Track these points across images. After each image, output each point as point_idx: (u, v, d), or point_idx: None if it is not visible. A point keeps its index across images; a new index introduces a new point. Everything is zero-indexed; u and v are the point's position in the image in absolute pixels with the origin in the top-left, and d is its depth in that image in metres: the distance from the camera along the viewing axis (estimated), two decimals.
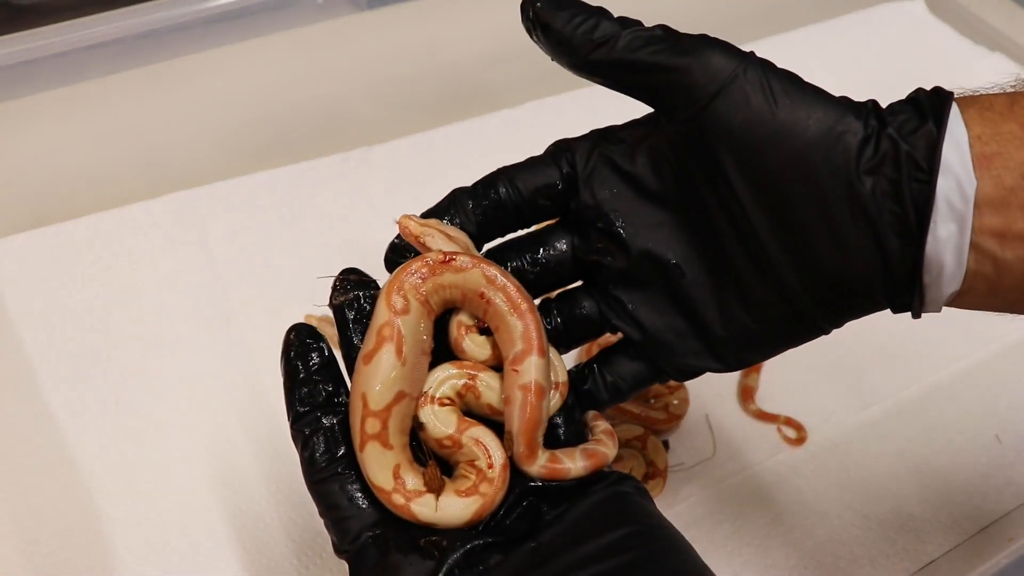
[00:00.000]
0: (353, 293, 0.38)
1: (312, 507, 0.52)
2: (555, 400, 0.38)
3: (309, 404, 0.37)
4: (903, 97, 0.35)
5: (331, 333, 0.61)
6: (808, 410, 0.59)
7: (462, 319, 0.38)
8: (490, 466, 0.36)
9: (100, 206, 0.65)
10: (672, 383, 0.59)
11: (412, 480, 0.35)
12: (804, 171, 0.33)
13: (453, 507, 0.35)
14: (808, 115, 0.33)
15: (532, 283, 0.40)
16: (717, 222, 0.36)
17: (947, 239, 0.32)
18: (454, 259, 0.36)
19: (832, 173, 0.33)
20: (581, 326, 0.40)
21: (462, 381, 0.37)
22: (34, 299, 0.60)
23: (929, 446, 0.58)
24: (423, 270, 0.36)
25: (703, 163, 0.36)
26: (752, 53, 0.36)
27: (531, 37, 0.37)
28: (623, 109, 0.74)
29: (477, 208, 0.39)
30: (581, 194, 0.39)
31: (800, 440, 0.58)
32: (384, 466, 0.35)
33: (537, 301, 0.38)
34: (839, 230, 0.34)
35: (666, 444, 0.57)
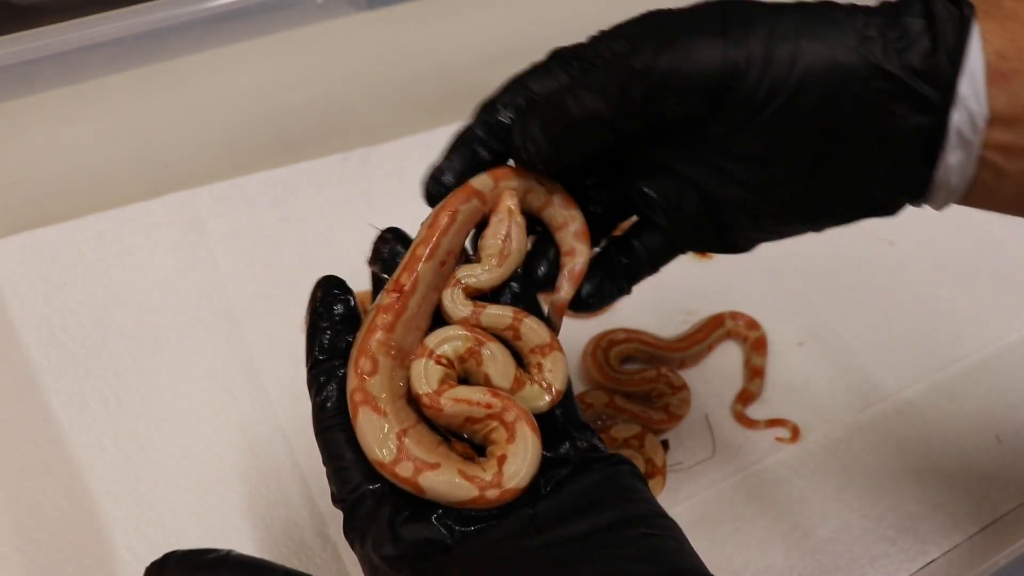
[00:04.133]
0: (388, 249, 0.39)
1: (313, 508, 0.52)
2: (545, 402, 0.37)
3: (328, 352, 0.37)
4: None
5: None
6: (808, 410, 0.59)
7: (458, 303, 0.38)
8: (489, 405, 0.35)
9: (100, 206, 0.65)
10: (675, 383, 0.59)
11: (485, 471, 0.34)
12: (826, 109, 0.34)
13: (522, 454, 0.34)
14: (818, 54, 0.33)
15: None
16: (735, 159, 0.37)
17: (955, 165, 0.34)
18: (405, 289, 0.37)
19: (855, 107, 0.33)
20: (617, 210, 0.42)
21: (467, 345, 0.37)
22: (35, 299, 0.60)
23: (929, 446, 0.58)
24: (387, 319, 0.36)
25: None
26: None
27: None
28: None
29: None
30: None
31: (795, 436, 0.58)
32: (449, 478, 0.34)
33: None
34: (862, 157, 0.34)
35: (665, 444, 0.57)
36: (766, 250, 0.41)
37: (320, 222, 0.67)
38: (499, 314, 0.37)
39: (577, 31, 0.92)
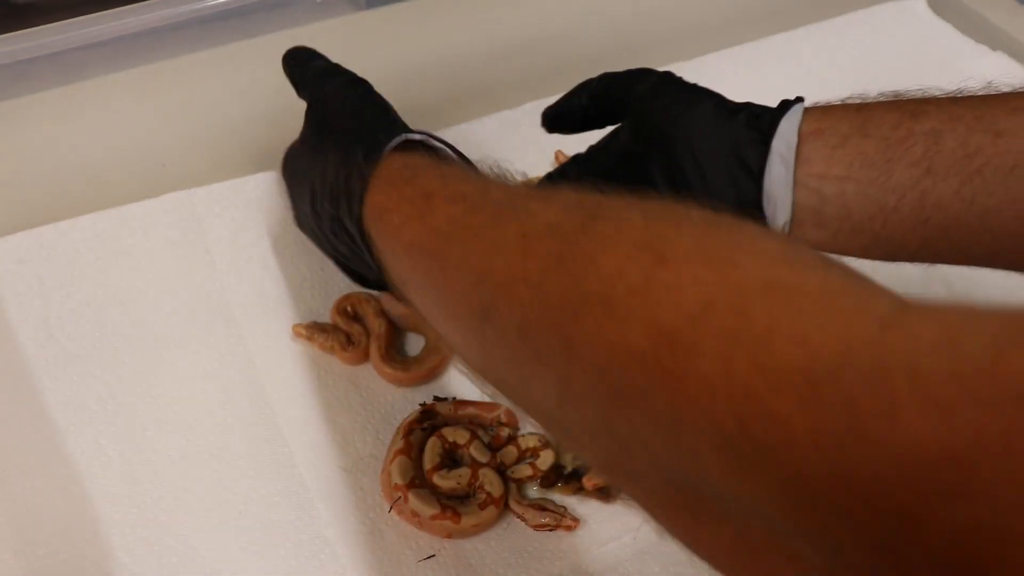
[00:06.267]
0: None
1: (312, 509, 0.52)
2: None
3: None
4: None
5: (320, 340, 0.61)
6: None
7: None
8: None
9: (99, 206, 0.65)
10: None
11: None
12: (698, 140, 0.48)
13: None
14: (704, 107, 0.49)
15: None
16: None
17: (778, 176, 0.45)
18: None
19: (719, 141, 0.47)
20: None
21: None
22: (32, 298, 0.60)
23: None
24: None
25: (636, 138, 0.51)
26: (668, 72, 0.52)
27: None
28: None
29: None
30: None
31: None
32: None
33: None
34: (713, 175, 0.47)
35: None
36: None
37: None
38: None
39: (577, 31, 0.93)
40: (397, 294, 0.47)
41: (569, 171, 0.55)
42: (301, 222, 0.57)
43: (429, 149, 0.50)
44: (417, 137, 0.50)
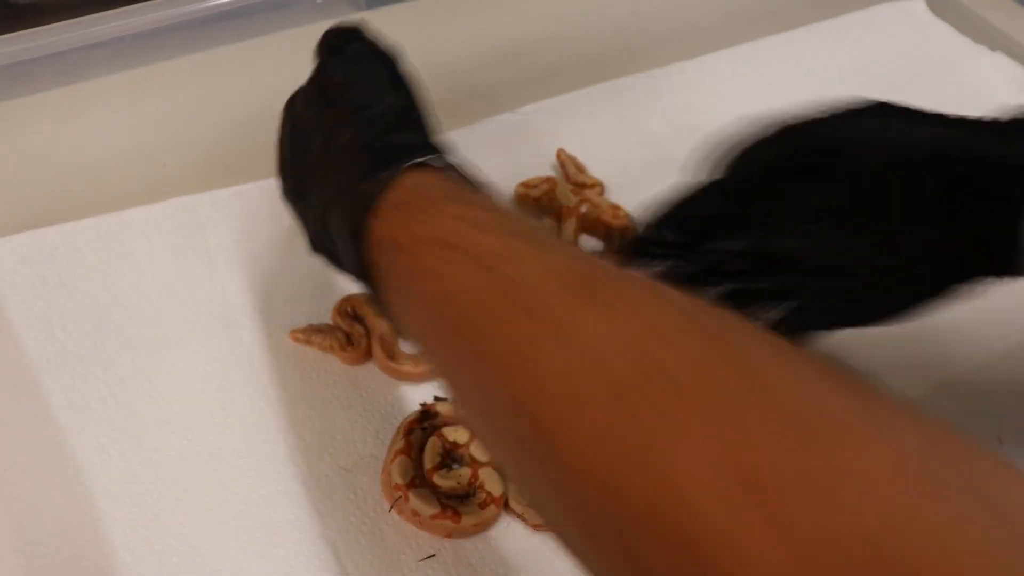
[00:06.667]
0: None
1: (312, 509, 0.52)
2: None
3: None
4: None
5: (318, 341, 0.61)
6: None
7: None
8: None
9: (101, 208, 0.65)
10: None
11: None
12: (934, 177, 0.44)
13: None
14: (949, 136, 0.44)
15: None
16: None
17: None
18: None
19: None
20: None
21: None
22: (34, 299, 0.60)
23: None
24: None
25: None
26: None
27: None
28: (623, 109, 0.74)
29: None
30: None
31: None
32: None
33: None
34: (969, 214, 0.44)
35: None
36: None
37: None
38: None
39: (577, 31, 0.93)
40: (403, 333, 0.42)
41: (711, 198, 0.48)
42: (285, 187, 0.53)
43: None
44: (439, 164, 0.41)
